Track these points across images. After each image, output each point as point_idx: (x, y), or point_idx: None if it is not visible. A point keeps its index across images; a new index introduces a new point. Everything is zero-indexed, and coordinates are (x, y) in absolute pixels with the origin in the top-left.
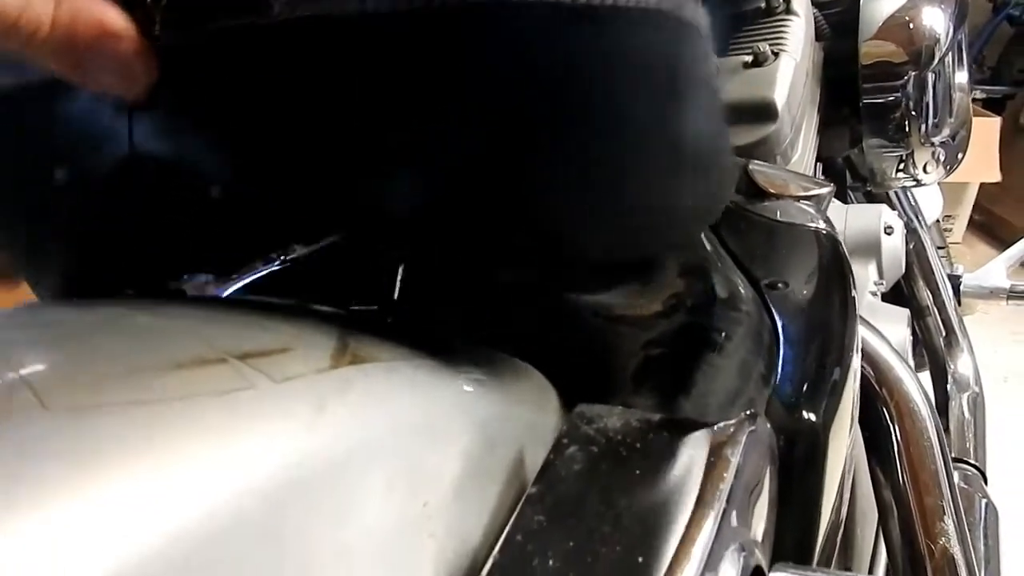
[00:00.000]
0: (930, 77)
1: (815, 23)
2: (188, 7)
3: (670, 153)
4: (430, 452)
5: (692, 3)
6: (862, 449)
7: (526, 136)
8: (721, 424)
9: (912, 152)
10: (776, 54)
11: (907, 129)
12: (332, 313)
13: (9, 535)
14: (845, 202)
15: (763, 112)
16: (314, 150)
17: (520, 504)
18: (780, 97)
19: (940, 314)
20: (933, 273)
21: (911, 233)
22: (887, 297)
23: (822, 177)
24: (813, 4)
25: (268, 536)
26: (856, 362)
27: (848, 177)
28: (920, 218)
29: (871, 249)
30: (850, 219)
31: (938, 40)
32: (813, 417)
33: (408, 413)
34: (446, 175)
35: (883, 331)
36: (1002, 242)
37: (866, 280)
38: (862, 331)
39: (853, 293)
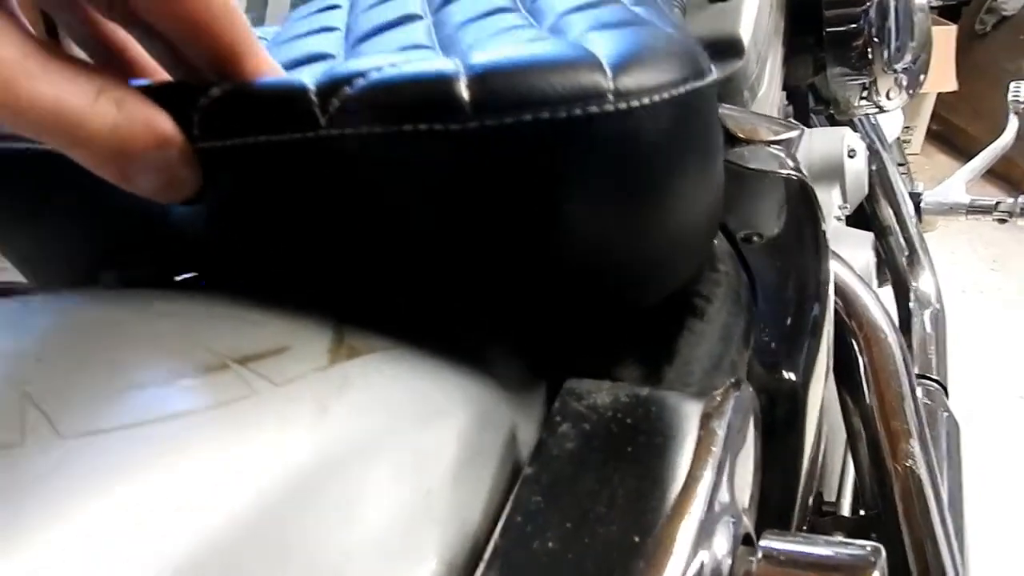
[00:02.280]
0: (891, 2)
1: None
2: (230, 116)
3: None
4: (430, 438)
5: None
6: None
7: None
8: (707, 396)
9: (875, 79)
10: None
11: (870, 56)
12: (326, 299)
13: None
14: (808, 126)
15: (730, 49)
16: (343, 246)
17: (517, 486)
18: (746, 32)
19: (902, 232)
20: (895, 193)
21: (873, 154)
22: (851, 218)
23: (787, 104)
24: None
25: (277, 546)
26: (831, 311)
27: (811, 100)
28: (882, 138)
29: (835, 173)
30: (814, 144)
31: None
32: (793, 376)
33: (406, 402)
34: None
35: (848, 256)
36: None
37: (831, 204)
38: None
39: (826, 242)
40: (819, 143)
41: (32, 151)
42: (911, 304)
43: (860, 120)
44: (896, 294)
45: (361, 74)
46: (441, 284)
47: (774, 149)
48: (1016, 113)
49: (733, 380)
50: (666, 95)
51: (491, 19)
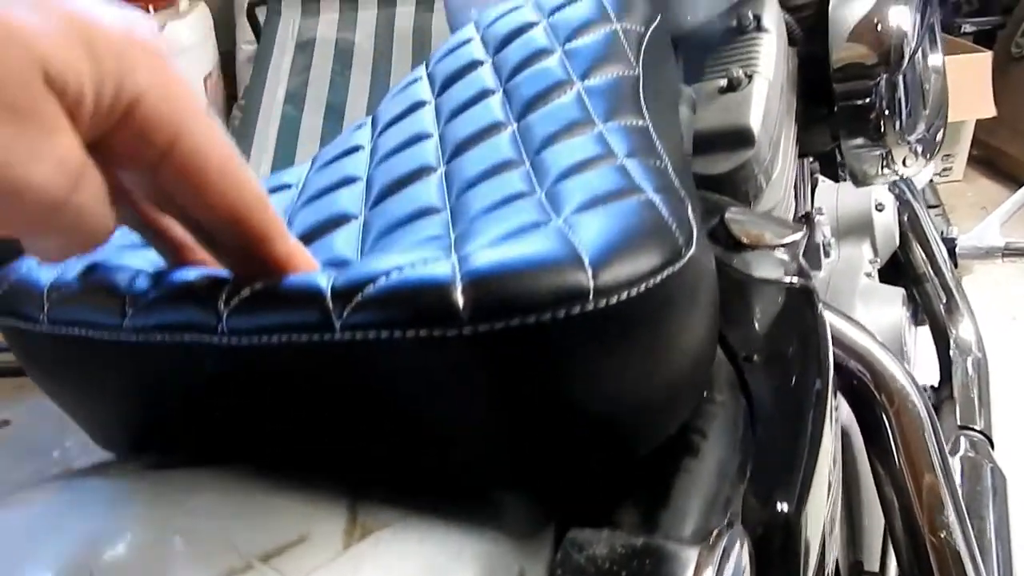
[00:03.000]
0: (901, 74)
1: (788, 29)
2: (255, 316)
3: None
4: None
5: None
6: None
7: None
8: (699, 544)
9: (890, 150)
10: (750, 76)
11: (882, 129)
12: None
13: None
14: (836, 180)
15: (741, 139)
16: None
17: None
18: (756, 121)
19: (938, 279)
20: (928, 240)
21: (903, 204)
22: (885, 267)
23: (813, 161)
24: (785, 9)
25: None
26: (832, 421)
27: (838, 155)
28: (912, 188)
29: (864, 228)
30: (842, 199)
31: (906, 37)
32: (786, 507)
33: (418, 573)
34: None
35: (877, 314)
36: (1003, 175)
37: (861, 259)
38: (854, 332)
39: (828, 359)
40: (847, 199)
41: (84, 337)
42: (951, 352)
43: None
44: (936, 342)
45: (372, 279)
46: (452, 455)
47: (779, 253)
48: None
49: (726, 521)
50: (643, 287)
51: (498, 180)
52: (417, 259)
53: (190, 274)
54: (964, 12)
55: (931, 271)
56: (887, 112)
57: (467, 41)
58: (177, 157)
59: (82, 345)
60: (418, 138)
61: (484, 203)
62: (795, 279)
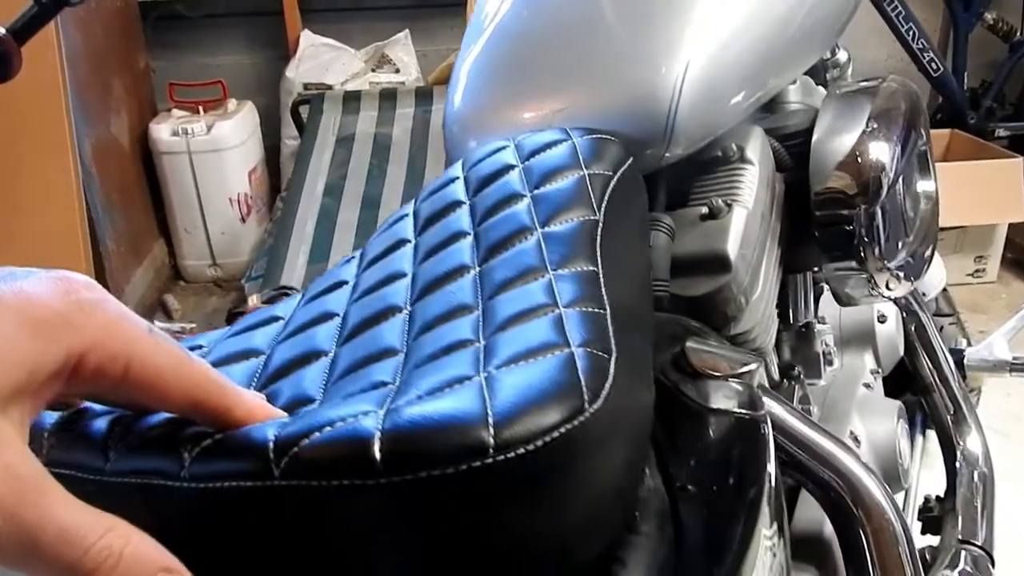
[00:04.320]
0: (880, 206)
1: (778, 156)
2: (213, 462)
3: None
4: None
5: None
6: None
7: None
8: None
9: (871, 276)
10: (730, 205)
11: (863, 255)
12: None
13: None
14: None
15: (719, 264)
16: None
17: None
18: (733, 249)
19: (945, 391)
20: (935, 351)
21: (910, 315)
22: (892, 377)
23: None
24: (776, 138)
25: None
26: (762, 558)
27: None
28: (917, 298)
29: (866, 339)
30: (844, 311)
31: (885, 170)
32: None
33: None
34: None
35: (871, 427)
36: None
37: (862, 370)
38: (834, 449)
39: (766, 489)
40: (849, 311)
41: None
42: (957, 464)
43: None
44: (943, 453)
45: (308, 433)
46: None
47: (734, 383)
48: None
49: None
50: (541, 443)
51: (450, 325)
52: (351, 412)
53: (162, 423)
54: (999, 117)
55: (938, 382)
56: (867, 239)
57: (453, 180)
58: (133, 378)
59: (75, 484)
60: (394, 277)
61: (432, 348)
62: (745, 410)
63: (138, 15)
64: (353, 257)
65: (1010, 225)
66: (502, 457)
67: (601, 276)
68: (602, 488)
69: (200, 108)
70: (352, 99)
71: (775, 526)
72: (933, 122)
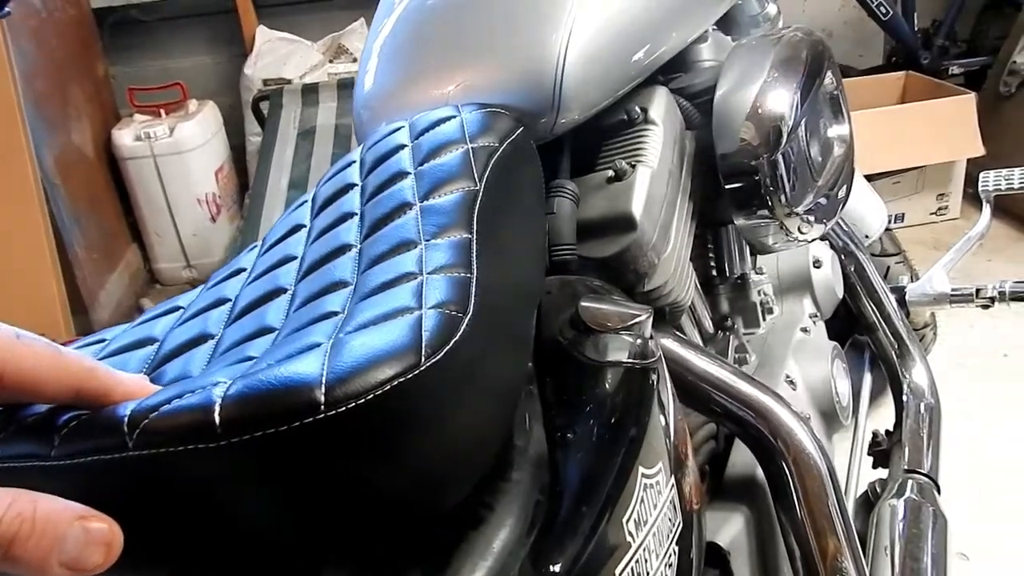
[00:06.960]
0: (782, 154)
1: (687, 115)
2: (78, 439)
3: None
4: None
5: None
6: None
7: None
8: None
9: (781, 223)
10: (634, 167)
11: (770, 204)
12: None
13: None
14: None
15: (623, 224)
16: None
17: None
18: (637, 209)
19: (888, 328)
20: (876, 290)
21: (848, 256)
22: (835, 318)
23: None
24: (685, 97)
25: None
26: (634, 508)
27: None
28: (855, 240)
29: (803, 285)
30: (780, 259)
31: (783, 119)
32: (558, 568)
33: None
34: None
35: (807, 369)
36: (999, 209)
37: (800, 315)
38: (756, 392)
39: (649, 431)
40: (785, 258)
41: None
42: (904, 398)
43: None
44: (892, 389)
45: (158, 407)
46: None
47: (624, 335)
48: (987, 201)
49: None
50: (371, 397)
51: (321, 300)
52: (204, 384)
53: (39, 412)
54: (952, 55)
55: (880, 320)
56: (772, 188)
57: (350, 164)
58: (9, 381)
59: None
60: (285, 260)
61: (300, 322)
62: (636, 360)
63: (94, 22)
64: (256, 245)
65: (969, 160)
66: (333, 412)
67: (474, 243)
68: (455, 437)
69: (161, 111)
70: (311, 92)
71: (660, 465)
72: (888, 65)
